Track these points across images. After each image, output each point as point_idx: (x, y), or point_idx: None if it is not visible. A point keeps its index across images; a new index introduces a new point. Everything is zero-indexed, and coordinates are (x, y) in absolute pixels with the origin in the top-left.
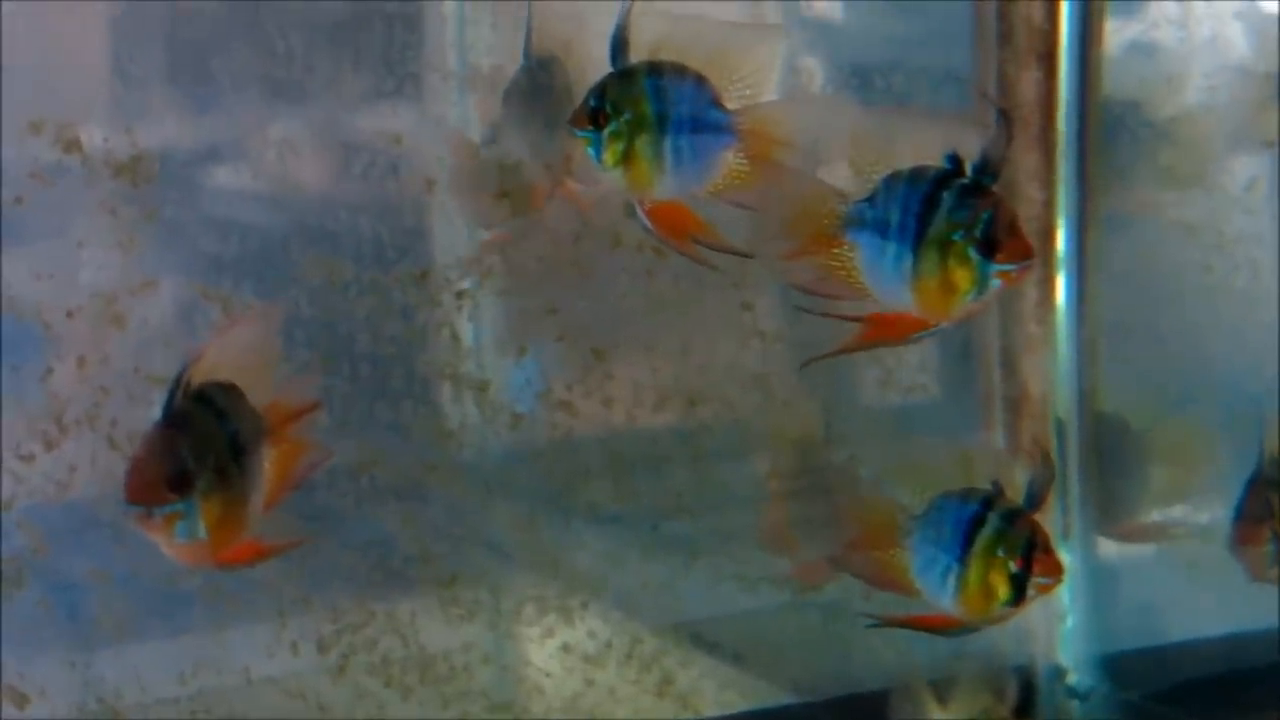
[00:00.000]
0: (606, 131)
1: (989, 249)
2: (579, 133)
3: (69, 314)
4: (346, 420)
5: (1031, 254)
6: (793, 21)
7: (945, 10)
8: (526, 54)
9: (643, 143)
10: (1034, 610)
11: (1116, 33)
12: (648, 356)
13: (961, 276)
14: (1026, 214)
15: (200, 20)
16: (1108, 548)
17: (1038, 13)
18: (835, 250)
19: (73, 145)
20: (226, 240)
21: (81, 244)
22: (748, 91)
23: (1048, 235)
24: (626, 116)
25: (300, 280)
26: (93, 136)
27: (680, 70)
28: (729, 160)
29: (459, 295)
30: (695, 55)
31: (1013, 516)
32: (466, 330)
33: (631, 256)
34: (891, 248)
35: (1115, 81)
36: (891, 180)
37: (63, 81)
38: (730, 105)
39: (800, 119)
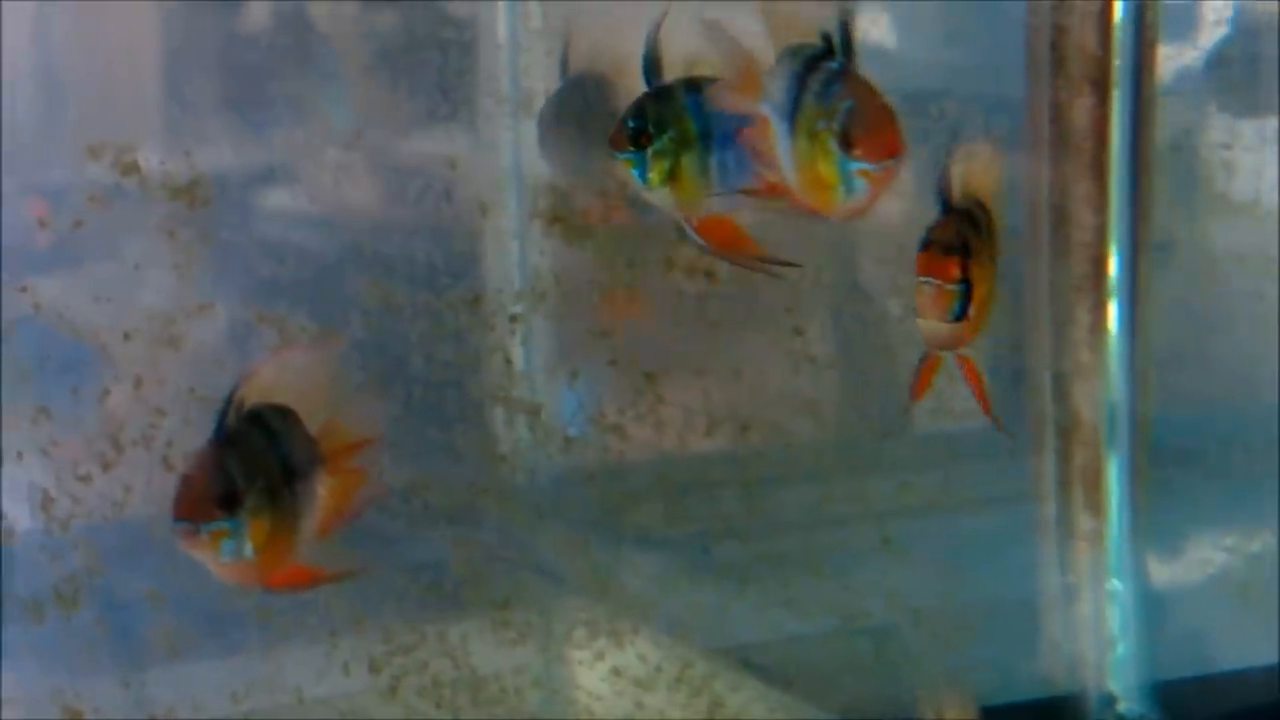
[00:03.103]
0: (650, 151)
1: (846, 143)
2: (621, 154)
3: (126, 336)
4: (399, 443)
5: (894, 151)
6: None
7: (998, 38)
8: (564, 73)
9: (688, 160)
10: (1085, 637)
11: (1170, 59)
12: (699, 381)
13: (827, 170)
14: (1079, 240)
15: (257, 45)
16: (1159, 575)
17: (1091, 40)
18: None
19: (131, 168)
20: (282, 263)
21: (139, 266)
22: None
23: (1100, 261)
24: (670, 134)
25: (355, 304)
26: (150, 160)
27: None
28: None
29: (512, 319)
30: (730, 69)
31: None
32: (519, 354)
33: (684, 280)
34: (782, 128)
35: (1168, 108)
36: (780, 56)
37: (121, 105)
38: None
39: None
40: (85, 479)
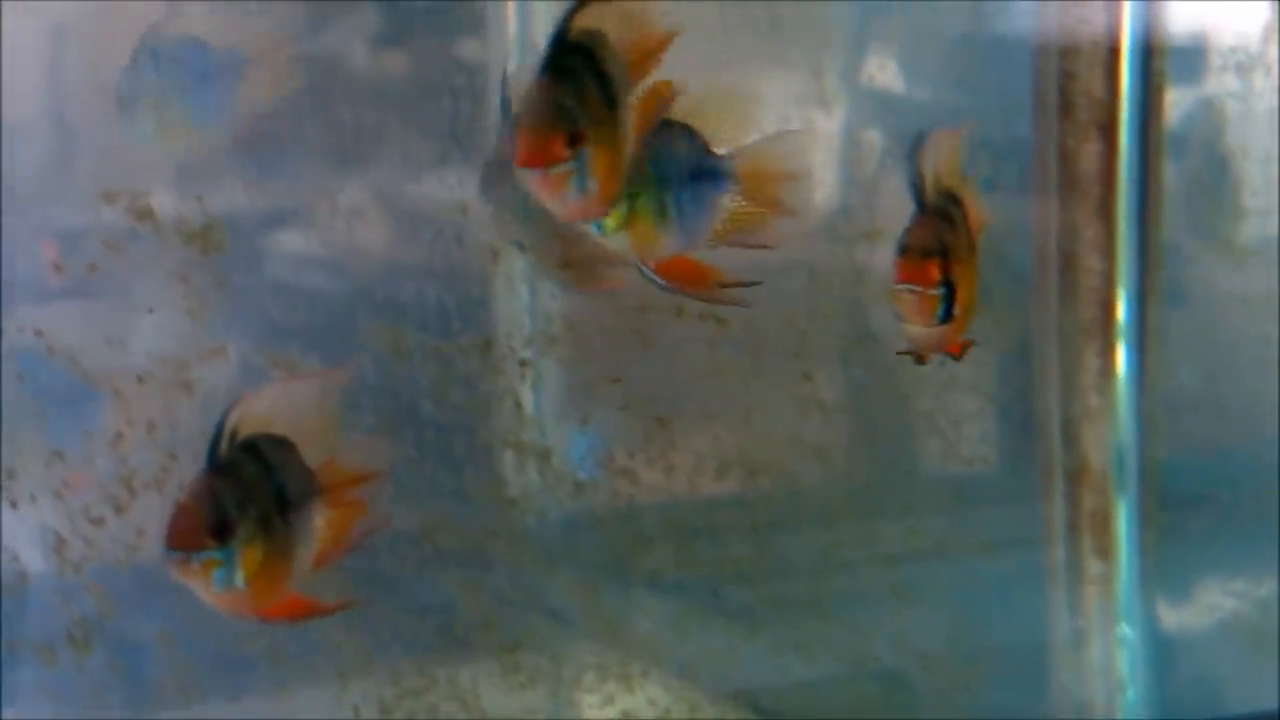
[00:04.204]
0: None
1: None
2: None
3: (140, 380)
4: (410, 487)
5: (523, 160)
6: (854, 93)
7: (1006, 82)
8: (505, 115)
9: (644, 202)
10: (1094, 682)
11: (1177, 105)
12: (709, 425)
13: None
14: (1087, 284)
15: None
16: (1168, 619)
17: (1098, 85)
18: None
19: (145, 214)
20: (294, 307)
21: (153, 310)
22: (733, 140)
23: (1108, 306)
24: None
25: (366, 347)
26: (164, 205)
27: (667, 123)
28: (727, 204)
29: (522, 364)
30: (675, 110)
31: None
32: (529, 398)
33: (694, 326)
34: None
35: (1175, 153)
36: None
37: (135, 150)
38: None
39: (788, 151)
40: (98, 522)
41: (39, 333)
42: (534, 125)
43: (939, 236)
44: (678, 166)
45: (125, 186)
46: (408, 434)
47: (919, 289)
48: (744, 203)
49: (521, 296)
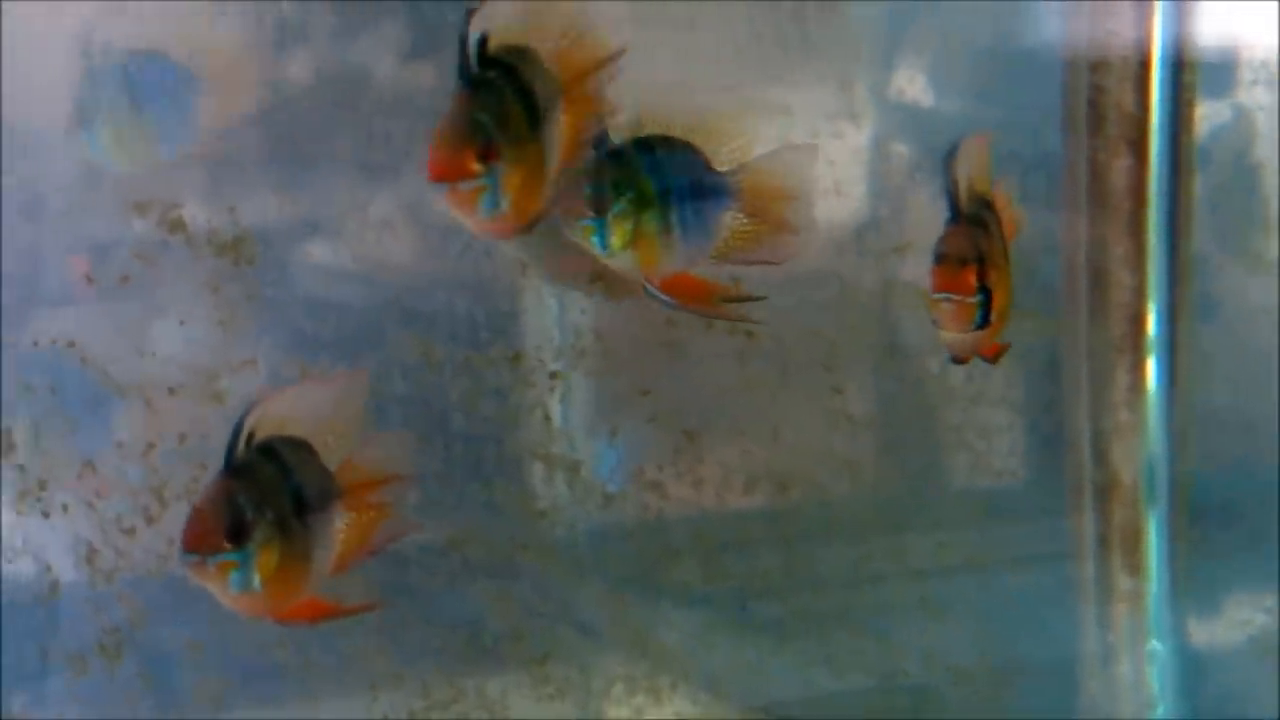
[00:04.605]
0: (611, 215)
1: None
2: (581, 221)
3: (171, 391)
4: (439, 498)
5: (430, 173)
6: (883, 106)
7: (1036, 96)
8: None
9: (648, 220)
10: (1124, 698)
11: (1207, 118)
12: (738, 439)
13: None
14: (1118, 299)
15: (302, 105)
16: (1199, 636)
17: (1129, 99)
18: None
19: (177, 225)
20: (325, 319)
21: (184, 322)
22: (735, 157)
23: (1139, 320)
24: (629, 196)
25: (396, 359)
26: (196, 217)
27: (669, 141)
28: (729, 221)
29: (552, 376)
30: (677, 128)
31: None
32: (558, 411)
33: (723, 339)
34: None
35: (1205, 167)
36: None
37: (168, 162)
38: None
39: (792, 167)
40: (129, 532)
41: (71, 344)
42: (444, 139)
43: (974, 244)
44: (680, 184)
45: (157, 198)
46: (437, 446)
47: (956, 297)
48: (747, 220)
49: (550, 309)
